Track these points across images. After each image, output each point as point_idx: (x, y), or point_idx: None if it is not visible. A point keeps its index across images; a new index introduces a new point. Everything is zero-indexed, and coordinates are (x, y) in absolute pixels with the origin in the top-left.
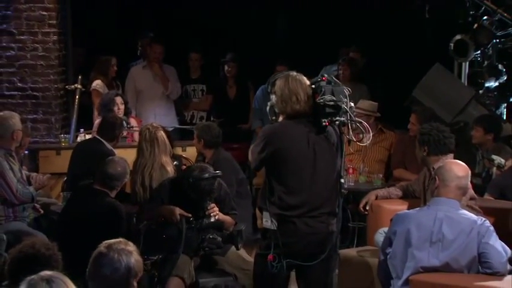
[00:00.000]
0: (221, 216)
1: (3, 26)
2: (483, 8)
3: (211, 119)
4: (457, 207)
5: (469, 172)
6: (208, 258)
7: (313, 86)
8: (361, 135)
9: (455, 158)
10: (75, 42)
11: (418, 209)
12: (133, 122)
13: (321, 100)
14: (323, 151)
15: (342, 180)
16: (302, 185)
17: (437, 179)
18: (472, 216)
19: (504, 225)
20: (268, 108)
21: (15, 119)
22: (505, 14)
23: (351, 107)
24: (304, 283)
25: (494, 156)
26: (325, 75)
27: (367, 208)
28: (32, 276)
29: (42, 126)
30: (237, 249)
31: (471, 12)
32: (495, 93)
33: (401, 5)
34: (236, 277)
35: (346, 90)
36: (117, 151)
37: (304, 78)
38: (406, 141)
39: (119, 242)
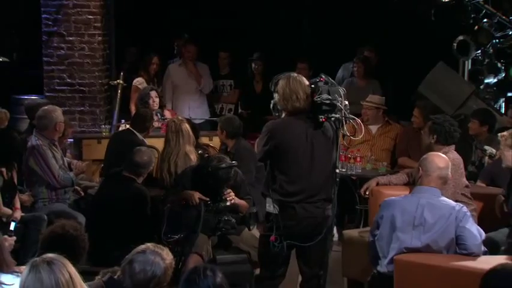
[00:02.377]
0: (237, 200)
1: (54, 28)
2: (483, 11)
3: (239, 111)
4: (438, 195)
5: (449, 163)
6: (224, 237)
7: (312, 86)
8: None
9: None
10: (127, 41)
11: (403, 196)
12: (168, 114)
13: (318, 99)
14: (320, 144)
15: (337, 171)
16: (301, 175)
17: (420, 169)
18: (451, 202)
19: (492, 209)
20: (271, 105)
21: (57, 112)
22: (504, 17)
23: (345, 105)
24: (303, 262)
25: (486, 147)
26: (323, 76)
27: (367, 193)
28: (35, 258)
29: (89, 118)
30: (249, 229)
31: (472, 15)
32: (494, 88)
33: (410, 9)
34: (250, 254)
35: (341, 90)
36: (151, 141)
37: (304, 78)
38: (410, 133)
39: (161, 249)
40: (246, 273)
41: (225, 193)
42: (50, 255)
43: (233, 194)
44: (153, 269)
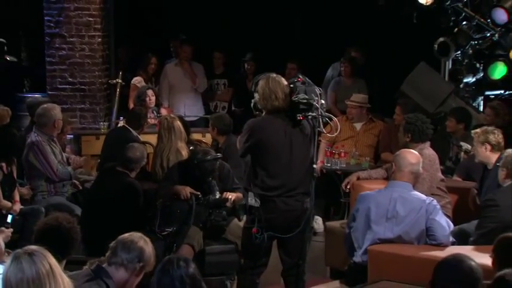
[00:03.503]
0: (234, 196)
1: (56, 30)
2: (463, 14)
3: (233, 108)
4: (410, 189)
5: (421, 159)
6: (213, 228)
7: (291, 86)
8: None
9: (434, 143)
10: (124, 42)
11: (377, 190)
12: (164, 111)
13: (296, 98)
14: (298, 141)
15: (314, 166)
16: (281, 170)
17: (394, 165)
18: (422, 196)
19: (466, 202)
20: (252, 104)
21: (56, 110)
22: (482, 20)
23: (321, 104)
24: (283, 252)
25: (462, 143)
26: (301, 77)
27: (349, 187)
28: (18, 250)
29: (89, 115)
30: (239, 220)
31: (452, 18)
32: (473, 87)
33: (394, 12)
34: (237, 245)
35: (318, 90)
36: (147, 137)
37: (282, 79)
38: (392, 129)
39: (146, 238)
40: (234, 263)
41: (223, 196)
42: (32, 247)
43: (230, 194)
44: (136, 248)
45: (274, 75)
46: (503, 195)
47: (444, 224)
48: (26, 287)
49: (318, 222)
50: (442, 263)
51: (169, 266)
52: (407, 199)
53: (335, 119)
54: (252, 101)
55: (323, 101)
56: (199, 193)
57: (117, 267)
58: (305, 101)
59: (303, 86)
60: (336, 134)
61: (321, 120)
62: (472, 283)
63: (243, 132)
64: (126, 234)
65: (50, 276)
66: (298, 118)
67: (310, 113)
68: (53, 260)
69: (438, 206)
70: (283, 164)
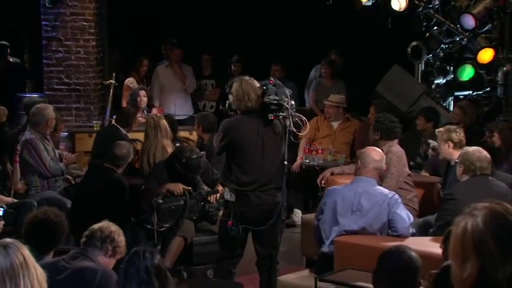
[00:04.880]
0: (222, 189)
1: (52, 33)
2: (434, 20)
3: (220, 107)
4: (374, 184)
5: (384, 156)
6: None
7: (263, 88)
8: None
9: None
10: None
11: (343, 185)
12: (155, 111)
13: (267, 99)
14: (270, 140)
15: (285, 162)
16: (254, 167)
17: (359, 161)
18: (385, 190)
19: (431, 195)
20: (227, 105)
21: (49, 110)
22: (451, 25)
23: (291, 105)
24: (257, 243)
25: (430, 140)
26: (272, 79)
27: (323, 182)
28: None
29: (84, 114)
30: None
31: (424, 24)
32: (443, 88)
33: (370, 18)
34: None
35: (288, 91)
36: (137, 135)
37: (255, 81)
38: (367, 127)
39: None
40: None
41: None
42: (7, 239)
43: (220, 187)
44: (107, 231)
45: (248, 78)
46: (460, 190)
47: (405, 216)
48: (1, 277)
49: (298, 215)
50: (384, 253)
51: (135, 257)
52: (371, 193)
53: (304, 118)
54: (227, 102)
55: (293, 102)
56: (190, 188)
57: (93, 250)
58: (276, 102)
59: (274, 88)
60: (305, 132)
61: (291, 120)
62: (412, 272)
63: (219, 131)
64: (99, 224)
65: (23, 267)
66: (270, 118)
67: (281, 113)
68: (26, 252)
69: (400, 200)
70: (256, 161)
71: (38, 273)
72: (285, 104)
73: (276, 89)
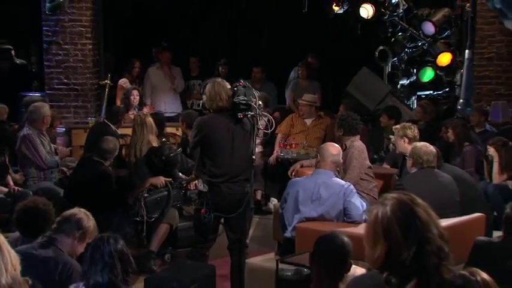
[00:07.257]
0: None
1: (53, 38)
2: (399, 26)
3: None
4: (332, 176)
5: (341, 151)
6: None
7: (234, 89)
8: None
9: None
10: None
11: (304, 177)
12: (146, 109)
13: (237, 99)
14: (239, 136)
15: (254, 157)
16: (224, 160)
17: (318, 156)
18: (341, 181)
19: (389, 186)
20: (200, 105)
21: (45, 108)
22: (414, 31)
23: (259, 105)
24: (228, 229)
25: (391, 136)
26: (242, 81)
27: (294, 173)
28: None
29: (82, 111)
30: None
31: (390, 30)
32: (407, 88)
33: (342, 24)
34: None
35: (256, 93)
36: (127, 130)
37: (226, 83)
38: None
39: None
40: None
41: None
42: None
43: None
44: (75, 218)
45: (219, 79)
46: (409, 181)
47: (359, 205)
48: None
49: (273, 204)
50: (320, 238)
51: (100, 242)
52: (329, 184)
53: (271, 117)
54: (200, 101)
55: (260, 102)
56: (170, 179)
57: (62, 237)
58: (244, 102)
59: (243, 89)
60: (270, 130)
61: (258, 118)
62: (343, 254)
63: (193, 128)
64: (69, 210)
65: None
66: (239, 116)
67: (249, 112)
68: (1, 238)
69: (354, 190)
70: (227, 155)
71: (11, 256)
72: (253, 104)
73: (245, 90)
